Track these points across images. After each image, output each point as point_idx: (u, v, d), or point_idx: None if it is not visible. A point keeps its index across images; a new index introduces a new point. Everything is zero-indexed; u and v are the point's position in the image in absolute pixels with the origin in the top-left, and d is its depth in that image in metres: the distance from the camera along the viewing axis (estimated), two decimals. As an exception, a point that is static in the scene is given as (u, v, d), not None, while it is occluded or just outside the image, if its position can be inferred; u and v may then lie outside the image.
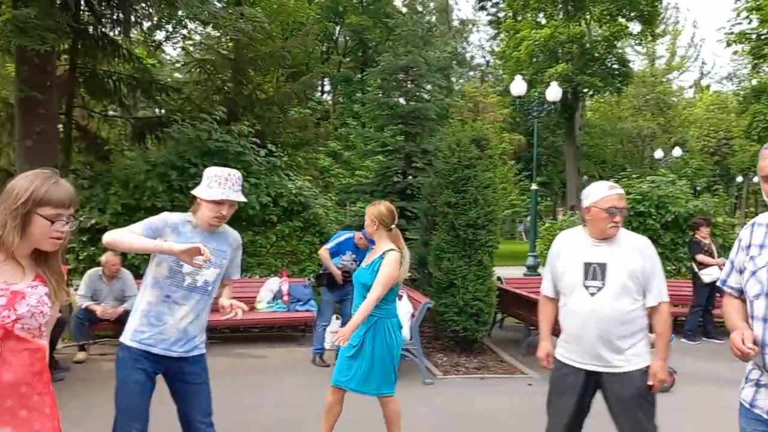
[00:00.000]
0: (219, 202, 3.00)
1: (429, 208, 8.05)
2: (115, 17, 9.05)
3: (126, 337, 3.04)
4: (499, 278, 8.33)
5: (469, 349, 7.20)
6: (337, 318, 7.00)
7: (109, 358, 6.93)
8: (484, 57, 45.28)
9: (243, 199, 3.11)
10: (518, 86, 15.78)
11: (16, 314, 1.91)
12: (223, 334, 8.03)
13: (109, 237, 2.86)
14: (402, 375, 6.45)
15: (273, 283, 8.19)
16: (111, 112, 10.80)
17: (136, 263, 7.52)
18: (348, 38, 32.05)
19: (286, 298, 8.11)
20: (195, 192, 3.08)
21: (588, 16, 26.42)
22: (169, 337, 3.00)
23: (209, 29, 11.50)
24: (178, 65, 14.92)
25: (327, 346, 6.75)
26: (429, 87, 11.49)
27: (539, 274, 10.96)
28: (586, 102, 35.70)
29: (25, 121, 7.56)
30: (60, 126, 8.51)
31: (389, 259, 3.80)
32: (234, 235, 3.25)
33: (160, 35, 11.99)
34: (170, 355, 3.01)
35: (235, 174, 3.09)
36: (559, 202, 39.42)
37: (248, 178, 8.38)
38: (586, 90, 26.94)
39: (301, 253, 8.93)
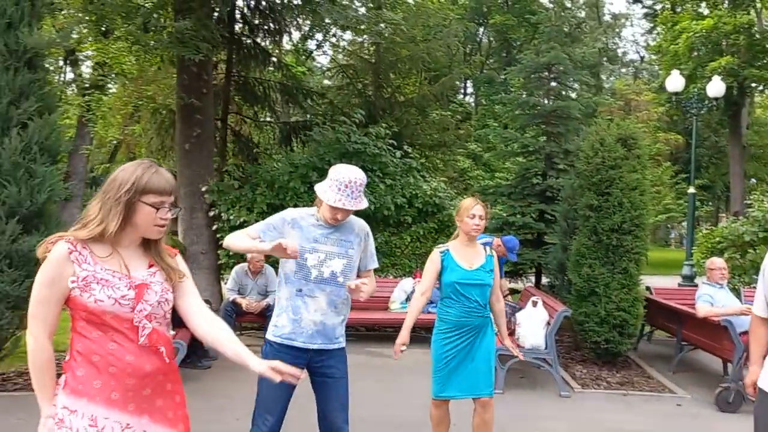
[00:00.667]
0: (335, 208, 2.99)
1: (569, 211, 7.65)
2: (267, 28, 9.60)
3: (269, 333, 3.12)
4: (647, 288, 7.74)
5: (611, 363, 6.74)
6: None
7: (253, 349, 7.29)
8: (637, 52, 42.68)
9: (362, 206, 3.06)
10: (675, 82, 14.63)
11: (150, 305, 1.97)
12: (358, 332, 8.18)
13: (226, 240, 3.07)
14: (536, 385, 6.20)
15: (407, 284, 8.21)
16: (262, 118, 11.45)
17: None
18: (492, 39, 31.59)
19: (419, 299, 8.10)
20: (316, 188, 3.10)
21: (758, 4, 23.97)
22: (307, 329, 3.03)
23: (353, 35, 11.85)
24: (327, 72, 15.55)
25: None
26: (575, 85, 10.99)
27: (695, 285, 10.07)
28: (755, 98, 32.41)
29: (184, 125, 8.20)
30: (216, 130, 9.15)
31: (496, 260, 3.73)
32: (359, 223, 3.22)
33: (311, 44, 12.56)
34: (310, 347, 3.05)
35: (357, 180, 3.02)
36: (721, 207, 36.15)
37: (384, 179, 8.48)
38: (754, 85, 24.44)
39: (436, 254, 8.87)
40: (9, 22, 5.03)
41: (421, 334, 8.80)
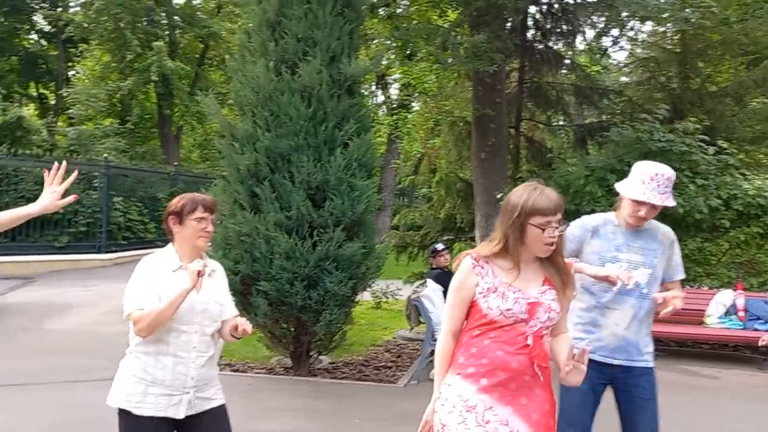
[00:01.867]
0: (639, 202, 2.78)
1: None
2: (559, 30, 9.46)
3: None
4: None
5: None
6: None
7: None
8: None
9: (669, 203, 2.80)
10: None
11: (541, 323, 2.15)
12: (668, 347, 7.52)
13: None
14: None
15: (725, 297, 7.30)
16: (554, 122, 11.29)
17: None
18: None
19: (741, 314, 7.15)
20: (617, 186, 2.92)
21: None
22: (608, 343, 2.87)
23: (653, 26, 11.00)
24: (624, 69, 14.72)
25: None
26: None
27: None
28: None
29: (479, 135, 8.50)
30: (510, 138, 9.30)
31: None
32: (664, 230, 2.96)
33: (606, 41, 12.03)
34: (611, 363, 2.88)
35: (665, 174, 2.79)
36: None
37: (695, 178, 7.69)
38: None
39: (761, 263, 7.73)
40: (332, 55, 5.80)
41: (745, 353, 7.76)
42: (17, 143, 14.71)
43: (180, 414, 2.47)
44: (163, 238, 11.90)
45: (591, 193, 7.92)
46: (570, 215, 7.44)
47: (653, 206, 2.79)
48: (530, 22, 9.33)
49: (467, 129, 9.59)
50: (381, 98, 22.79)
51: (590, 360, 2.86)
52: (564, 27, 9.35)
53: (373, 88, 21.29)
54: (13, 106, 18.29)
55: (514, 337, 2.13)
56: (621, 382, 2.91)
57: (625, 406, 2.92)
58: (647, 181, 2.77)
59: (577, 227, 2.96)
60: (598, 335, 2.89)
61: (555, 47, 9.71)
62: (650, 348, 2.94)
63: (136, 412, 2.46)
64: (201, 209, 2.55)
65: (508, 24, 8.15)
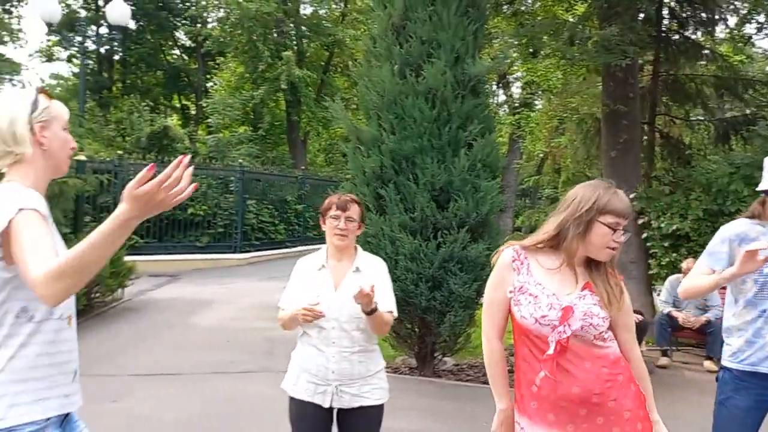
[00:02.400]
0: None
1: None
2: (697, 19, 8.86)
3: (725, 359, 2.81)
4: None
5: None
6: None
7: (692, 368, 6.77)
8: None
9: None
10: None
11: (571, 329, 1.93)
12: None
13: None
14: None
15: None
16: (693, 117, 10.57)
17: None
18: None
19: None
20: (760, 187, 2.69)
21: None
22: None
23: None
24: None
25: None
26: None
27: None
28: None
29: (610, 132, 8.13)
30: (643, 134, 8.82)
31: None
32: None
33: (749, 28, 11.10)
34: None
35: None
36: None
37: None
38: None
39: None
40: (457, 56, 5.79)
41: None
42: (164, 151, 15.93)
43: (326, 403, 2.62)
44: (291, 239, 12.51)
45: (736, 192, 7.31)
46: (713, 215, 6.92)
47: None
48: (665, 12, 8.80)
49: (596, 126, 9.20)
50: (502, 97, 22.46)
51: (753, 373, 2.66)
52: (703, 15, 8.73)
53: (494, 87, 21.01)
54: (159, 117, 19.88)
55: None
56: None
57: None
58: None
59: (719, 243, 2.74)
60: (761, 344, 2.66)
61: (693, 37, 9.09)
62: None
63: (292, 394, 2.69)
64: (334, 208, 2.67)
65: (641, 14, 7.73)
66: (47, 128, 1.78)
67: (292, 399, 2.70)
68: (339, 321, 2.60)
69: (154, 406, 4.96)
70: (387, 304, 2.66)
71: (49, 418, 1.70)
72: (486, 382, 6.22)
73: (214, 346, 6.94)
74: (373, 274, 2.71)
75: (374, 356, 2.72)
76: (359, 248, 2.80)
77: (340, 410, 2.67)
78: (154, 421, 4.64)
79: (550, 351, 1.92)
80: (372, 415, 2.67)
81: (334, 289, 2.63)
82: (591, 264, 2.05)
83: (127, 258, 9.17)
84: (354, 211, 2.69)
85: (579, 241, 1.98)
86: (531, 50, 10.33)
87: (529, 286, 2.00)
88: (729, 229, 2.77)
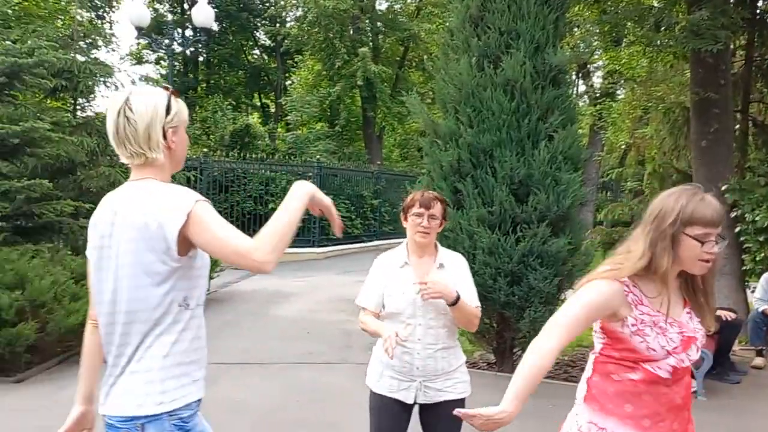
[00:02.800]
0: None
1: None
2: (797, -1, 8.30)
3: None
4: None
5: None
6: None
7: (790, 370, 6.38)
8: None
9: None
10: None
11: (690, 359, 1.84)
12: None
13: None
14: None
15: None
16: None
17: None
18: None
19: None
20: None
21: None
22: None
23: None
24: None
25: None
26: None
27: None
28: None
29: (700, 122, 7.74)
30: (736, 123, 8.35)
31: None
32: None
33: None
34: None
35: None
36: None
37: None
38: None
39: None
40: (536, 46, 5.66)
41: None
42: (245, 148, 16.43)
43: (409, 399, 2.63)
44: (367, 233, 12.68)
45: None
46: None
47: None
48: (761, -8, 8.29)
49: (684, 115, 8.79)
50: (582, 88, 21.80)
51: None
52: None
53: (574, 77, 20.44)
54: (241, 116, 20.51)
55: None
56: None
57: None
58: None
59: None
60: None
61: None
62: None
63: (374, 389, 2.71)
64: (417, 205, 2.65)
65: (733, -3, 7.31)
66: (176, 132, 1.81)
67: (373, 393, 2.72)
68: (425, 318, 2.60)
69: (239, 393, 5.14)
70: (473, 299, 2.65)
71: (199, 400, 1.80)
72: (567, 380, 6.13)
73: (294, 337, 7.11)
74: (456, 271, 2.70)
75: (456, 351, 2.71)
76: (439, 245, 2.78)
77: (422, 405, 2.67)
78: (239, 408, 4.81)
79: (666, 375, 1.82)
80: (455, 408, 2.65)
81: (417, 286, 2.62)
82: (688, 277, 1.92)
83: (212, 251, 9.50)
84: (437, 209, 2.66)
85: (669, 260, 1.80)
86: (614, 38, 9.98)
87: (653, 317, 1.83)
88: None
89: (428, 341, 2.60)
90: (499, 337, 5.92)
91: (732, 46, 8.14)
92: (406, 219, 2.72)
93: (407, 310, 2.60)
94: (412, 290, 2.58)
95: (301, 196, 1.77)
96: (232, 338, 6.92)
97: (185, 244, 1.67)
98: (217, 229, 1.65)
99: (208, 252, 1.70)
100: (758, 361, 6.49)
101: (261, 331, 7.43)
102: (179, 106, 1.83)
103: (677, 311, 1.87)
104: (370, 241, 16.16)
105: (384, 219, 17.17)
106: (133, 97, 1.74)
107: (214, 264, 9.29)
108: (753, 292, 7.08)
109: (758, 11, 8.27)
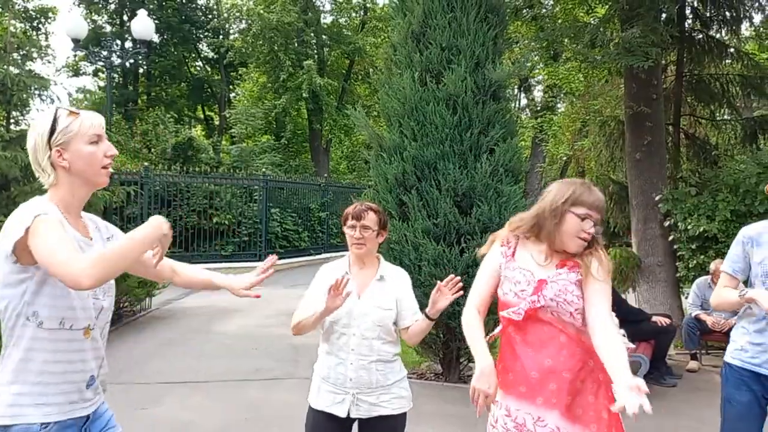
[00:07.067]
0: None
1: None
2: (721, 18, 8.75)
3: (728, 354, 2.86)
4: None
5: None
6: None
7: (720, 372, 6.66)
8: None
9: None
10: None
11: (545, 300, 2.14)
12: None
13: None
14: None
15: None
16: (719, 117, 10.41)
17: None
18: None
19: None
20: None
21: None
22: None
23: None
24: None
25: None
26: None
27: None
28: None
29: (634, 135, 8.05)
30: (668, 136, 8.71)
31: None
32: None
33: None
34: None
35: None
36: None
37: None
38: None
39: None
40: (477, 62, 5.80)
41: None
42: (188, 161, 16.14)
43: (343, 413, 2.58)
44: (315, 246, 12.55)
45: (764, 193, 7.20)
46: (740, 216, 6.83)
47: None
48: (688, 11, 8.71)
49: (619, 128, 9.12)
50: (524, 101, 22.37)
51: (753, 372, 2.68)
52: (727, 13, 8.62)
53: (516, 91, 20.96)
54: (184, 128, 20.16)
55: (525, 324, 2.19)
56: None
57: None
58: None
59: (734, 246, 2.83)
60: (764, 347, 2.69)
61: (717, 36, 8.97)
62: None
63: (313, 404, 2.68)
64: (350, 218, 2.67)
65: (663, 15, 7.65)
66: (66, 150, 1.81)
67: (311, 409, 2.69)
68: (360, 329, 2.59)
69: (184, 413, 5.03)
70: (416, 312, 2.69)
71: (47, 424, 1.76)
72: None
73: (241, 354, 7.00)
74: (397, 284, 2.71)
75: (394, 366, 2.69)
76: (382, 258, 2.79)
77: (360, 421, 2.64)
78: (186, 428, 4.70)
79: (519, 317, 2.15)
80: (392, 424, 2.64)
81: (357, 296, 2.62)
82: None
83: (154, 268, 9.29)
84: (370, 219, 2.65)
85: (555, 230, 2.19)
86: (552, 54, 10.29)
87: (510, 271, 2.26)
88: (744, 231, 2.81)
89: (363, 352, 2.58)
90: (445, 347, 5.97)
91: (663, 62, 8.51)
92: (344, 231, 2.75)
93: (342, 320, 2.59)
94: (350, 300, 2.55)
95: (147, 226, 1.74)
96: (176, 357, 6.77)
97: (28, 256, 1.71)
98: (47, 242, 1.67)
99: (40, 263, 1.70)
100: (693, 364, 6.75)
101: (206, 348, 7.28)
102: (70, 122, 1.82)
103: (548, 269, 2.21)
104: (318, 254, 16.08)
105: (332, 231, 17.14)
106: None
107: (153, 283, 9.08)
108: (686, 298, 7.38)
109: (686, 29, 8.69)
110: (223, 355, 6.96)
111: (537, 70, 16.38)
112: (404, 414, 2.68)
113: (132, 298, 8.51)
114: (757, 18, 10.17)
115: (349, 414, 2.59)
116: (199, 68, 29.24)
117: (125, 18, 25.00)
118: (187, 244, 13.35)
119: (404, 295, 2.70)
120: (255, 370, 6.34)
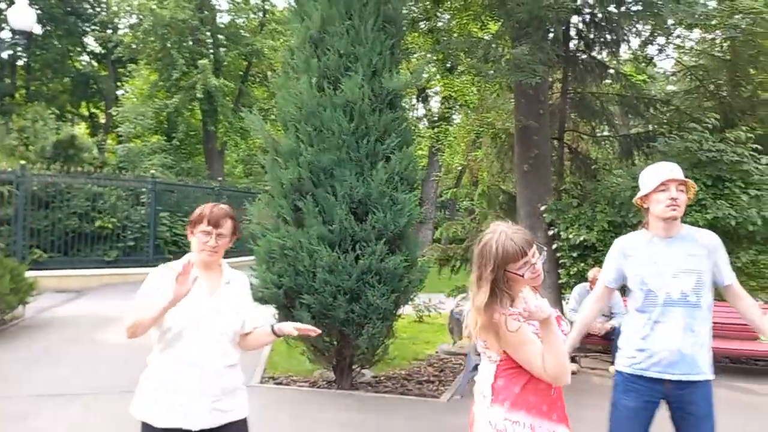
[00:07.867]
0: (664, 183, 2.80)
1: None
2: (603, 40, 9.33)
3: (619, 363, 2.99)
4: None
5: None
6: None
7: (598, 374, 7.06)
8: None
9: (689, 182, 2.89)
10: None
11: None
12: (721, 363, 7.26)
13: None
14: None
15: (782, 311, 7.02)
16: (599, 133, 11.10)
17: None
18: None
19: (800, 329, 6.85)
20: (638, 195, 2.94)
21: None
22: (660, 359, 2.79)
23: (701, 33, 10.76)
24: (671, 77, 14.42)
25: None
26: None
27: None
28: None
29: (522, 147, 8.42)
30: (553, 150, 9.18)
31: None
32: (703, 233, 2.93)
33: (651, 50, 11.84)
34: (663, 378, 2.80)
35: (669, 164, 2.91)
36: None
37: (747, 189, 7.43)
38: None
39: (821, 277, 7.41)
40: (374, 70, 5.84)
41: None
42: (70, 161, 15.17)
43: (195, 425, 2.40)
44: (208, 252, 11.71)
45: (638, 205, 7.73)
46: (617, 227, 7.26)
47: (681, 187, 2.82)
48: (573, 32, 9.22)
49: (510, 141, 9.50)
50: (422, 111, 22.85)
51: (641, 377, 2.82)
52: (608, 36, 9.20)
53: (414, 101, 21.36)
54: (65, 126, 18.95)
55: None
56: (675, 399, 2.82)
57: (681, 423, 2.85)
58: (658, 169, 2.88)
59: (608, 258, 3.04)
60: (649, 352, 2.83)
61: (599, 57, 9.57)
62: (707, 361, 2.84)
63: (153, 423, 2.42)
64: (205, 222, 2.47)
65: (551, 35, 8.07)
66: None
67: (146, 425, 2.44)
68: (212, 332, 2.46)
69: (57, 427, 4.69)
70: (255, 321, 2.63)
71: None
72: (404, 393, 6.28)
73: (122, 363, 6.61)
74: (242, 289, 2.64)
75: (239, 369, 2.59)
76: (223, 261, 2.63)
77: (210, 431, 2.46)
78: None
79: None
80: (243, 429, 2.56)
81: (209, 294, 2.48)
82: None
83: (29, 273, 8.65)
84: (227, 227, 2.50)
85: (507, 293, 2.14)
86: (448, 66, 10.58)
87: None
88: (616, 244, 3.03)
89: (214, 358, 2.45)
90: (338, 354, 5.95)
91: (549, 80, 8.96)
92: (192, 234, 2.51)
93: (191, 323, 2.42)
94: (202, 298, 2.43)
95: None
96: (51, 367, 6.31)
97: None
98: None
99: None
100: (572, 366, 7.10)
101: (85, 358, 6.84)
102: None
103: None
104: (210, 259, 15.58)
105: (225, 237, 16.65)
106: None
107: (30, 287, 8.44)
108: (567, 303, 7.78)
109: (571, 49, 9.20)
110: (104, 364, 6.56)
111: (434, 81, 16.79)
112: (246, 418, 2.58)
113: (3, 306, 7.85)
114: (635, 42, 10.97)
115: (201, 425, 2.41)
116: (84, 63, 27.61)
117: (2, 6, 23.21)
118: (66, 249, 12.52)
119: (247, 300, 2.64)
120: (137, 380, 6.02)
